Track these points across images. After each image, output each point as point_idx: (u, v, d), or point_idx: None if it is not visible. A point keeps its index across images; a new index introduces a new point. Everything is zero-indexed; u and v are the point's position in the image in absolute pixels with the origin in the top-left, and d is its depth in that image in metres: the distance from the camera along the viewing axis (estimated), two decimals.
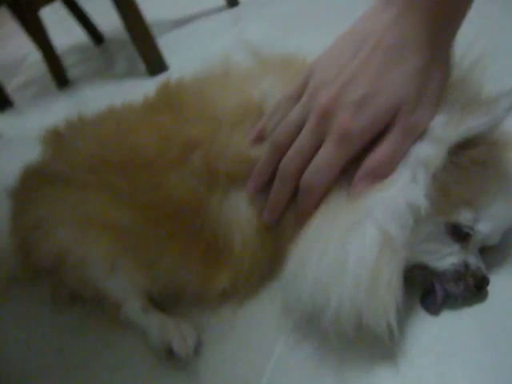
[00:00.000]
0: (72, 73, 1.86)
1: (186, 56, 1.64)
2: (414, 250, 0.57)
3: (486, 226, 0.57)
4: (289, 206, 0.63)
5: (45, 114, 1.66)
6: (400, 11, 0.54)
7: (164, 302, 0.72)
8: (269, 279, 0.68)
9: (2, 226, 0.86)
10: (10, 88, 1.99)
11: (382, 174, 0.55)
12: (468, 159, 0.54)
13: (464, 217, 0.56)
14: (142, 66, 1.63)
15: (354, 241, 0.54)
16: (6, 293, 0.88)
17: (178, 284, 0.69)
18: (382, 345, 0.56)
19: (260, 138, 0.65)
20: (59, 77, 1.80)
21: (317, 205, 0.59)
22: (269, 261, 0.67)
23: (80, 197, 0.73)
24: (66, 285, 0.77)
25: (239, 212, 0.65)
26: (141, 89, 1.54)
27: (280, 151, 0.61)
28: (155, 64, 1.55)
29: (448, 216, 0.56)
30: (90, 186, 0.72)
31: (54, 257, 0.73)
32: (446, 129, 0.54)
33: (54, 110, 1.67)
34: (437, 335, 0.58)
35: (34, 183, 0.83)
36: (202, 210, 0.65)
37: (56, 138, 0.87)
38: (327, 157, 0.57)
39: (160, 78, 1.57)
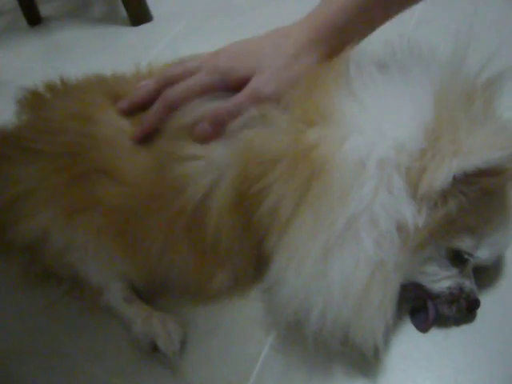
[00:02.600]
0: (45, 10, 1.71)
1: (172, 8, 1.53)
2: (413, 270, 0.57)
3: (485, 253, 0.57)
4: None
5: (14, 54, 1.54)
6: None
7: (148, 293, 0.70)
8: (258, 278, 0.67)
9: None
10: None
11: (219, 122, 0.63)
12: (478, 189, 0.52)
13: (466, 243, 0.55)
14: (122, 13, 1.52)
15: (338, 257, 0.53)
16: None
17: (172, 279, 0.67)
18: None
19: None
20: (30, 13, 1.65)
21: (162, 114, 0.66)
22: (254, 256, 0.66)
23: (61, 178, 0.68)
24: (42, 262, 0.74)
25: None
26: (120, 38, 1.47)
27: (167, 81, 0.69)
28: (138, 12, 1.45)
29: (450, 241, 0.55)
30: (68, 169, 0.67)
31: (34, 238, 0.69)
32: (455, 156, 0.51)
33: (24, 50, 1.55)
34: (424, 351, 0.59)
35: (8, 151, 0.74)
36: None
37: (35, 102, 0.79)
38: (196, 78, 0.67)
39: (142, 29, 1.48)
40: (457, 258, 0.57)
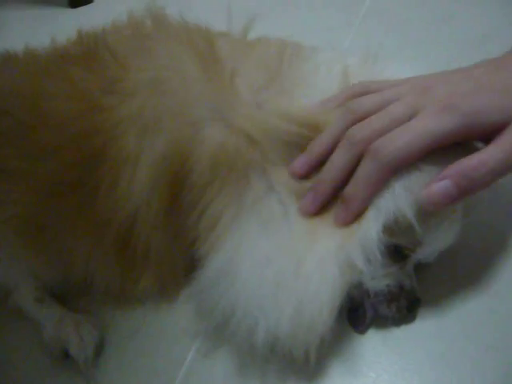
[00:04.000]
0: None
1: None
2: None
3: (426, 249, 0.53)
4: None
5: None
6: None
7: (63, 292, 0.63)
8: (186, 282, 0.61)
9: None
10: None
11: (471, 183, 0.45)
12: None
13: (407, 239, 0.51)
14: None
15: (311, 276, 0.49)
16: None
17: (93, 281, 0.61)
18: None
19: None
20: None
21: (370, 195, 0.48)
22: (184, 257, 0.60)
23: None
24: None
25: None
26: (56, 20, 1.38)
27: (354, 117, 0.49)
28: None
29: (390, 236, 0.51)
30: None
31: None
32: None
33: None
34: (361, 354, 0.55)
35: None
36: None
37: None
38: (418, 126, 0.45)
39: (81, 11, 1.40)
40: (397, 254, 0.53)
